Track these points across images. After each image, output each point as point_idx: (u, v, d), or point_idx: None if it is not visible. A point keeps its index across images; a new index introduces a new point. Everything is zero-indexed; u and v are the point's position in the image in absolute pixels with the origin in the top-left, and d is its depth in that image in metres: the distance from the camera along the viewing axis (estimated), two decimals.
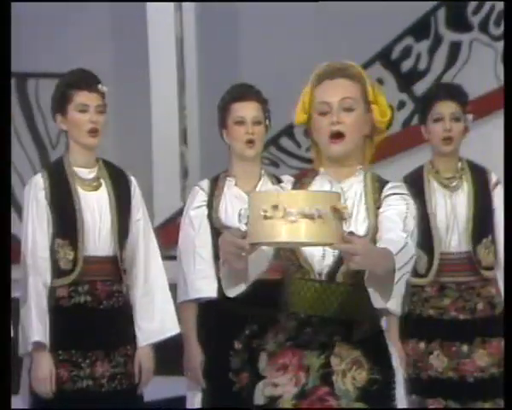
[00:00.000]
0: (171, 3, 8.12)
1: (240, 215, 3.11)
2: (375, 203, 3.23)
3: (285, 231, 2.87)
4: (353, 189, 3.26)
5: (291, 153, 7.90)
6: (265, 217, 2.87)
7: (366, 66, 7.46)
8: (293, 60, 7.54)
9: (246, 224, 3.01)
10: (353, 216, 3.19)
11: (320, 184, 3.28)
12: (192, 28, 8.01)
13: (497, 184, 4.60)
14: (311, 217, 2.82)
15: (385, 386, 3.23)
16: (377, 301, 3.05)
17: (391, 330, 4.27)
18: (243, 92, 4.49)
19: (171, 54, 8.03)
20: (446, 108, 4.57)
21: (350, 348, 3.20)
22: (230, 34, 8.04)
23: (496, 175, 4.61)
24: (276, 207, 2.87)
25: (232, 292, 3.22)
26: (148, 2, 8.01)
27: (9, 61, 4.04)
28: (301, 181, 3.33)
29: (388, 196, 3.23)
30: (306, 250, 3.20)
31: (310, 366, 3.18)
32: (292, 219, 2.85)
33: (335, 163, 3.25)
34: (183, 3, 8.11)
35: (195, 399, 4.51)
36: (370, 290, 3.02)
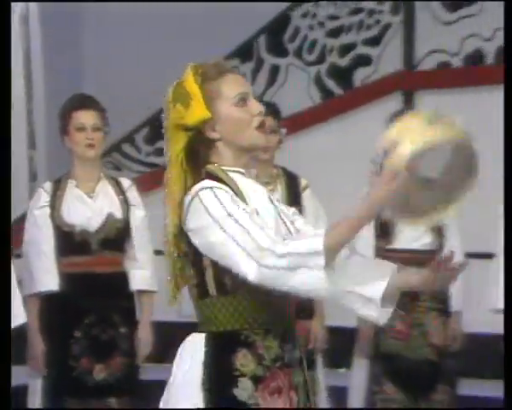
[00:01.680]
0: (17, 16, 7.68)
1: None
2: None
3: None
4: None
5: (132, 157, 7.62)
6: None
7: None
8: (138, 69, 7.33)
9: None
10: None
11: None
12: (38, 39, 7.64)
13: (305, 188, 4.43)
14: None
15: None
16: None
17: None
18: (83, 102, 4.27)
19: (19, 63, 7.59)
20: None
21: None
22: (75, 46, 7.75)
23: (304, 180, 4.45)
24: None
25: None
26: None
27: (9, 60, 3.72)
28: None
29: None
30: None
31: (297, 384, 2.59)
32: None
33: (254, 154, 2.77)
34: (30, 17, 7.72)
35: (37, 386, 4.22)
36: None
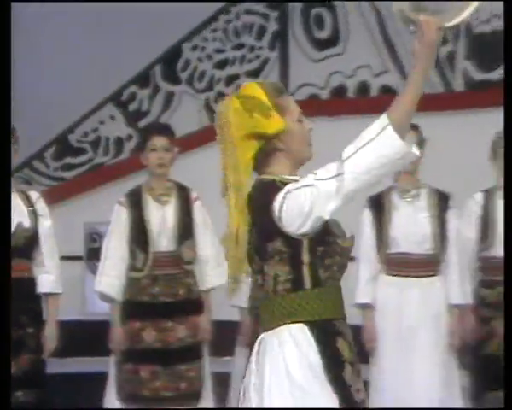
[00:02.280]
0: None
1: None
2: None
3: None
4: None
5: (42, 172, 7.49)
6: None
7: (101, 106, 7.24)
8: (46, 93, 7.21)
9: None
10: None
11: None
12: None
13: (195, 199, 4.45)
14: None
15: None
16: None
17: None
18: None
19: None
20: (158, 140, 4.31)
21: None
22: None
23: (195, 193, 4.46)
24: None
25: None
26: None
27: (9, 60, 3.57)
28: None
29: None
30: None
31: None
32: None
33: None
34: None
35: None
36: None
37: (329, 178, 2.43)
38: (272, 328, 2.53)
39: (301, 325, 2.49)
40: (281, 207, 2.45)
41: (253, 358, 2.56)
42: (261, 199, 2.53)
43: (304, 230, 2.44)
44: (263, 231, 2.54)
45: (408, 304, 4.19)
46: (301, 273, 2.50)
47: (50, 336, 4.12)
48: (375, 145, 2.40)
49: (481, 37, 6.35)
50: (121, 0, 6.92)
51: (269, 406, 2.48)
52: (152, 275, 4.29)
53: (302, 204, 2.42)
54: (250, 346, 4.40)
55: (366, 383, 4.03)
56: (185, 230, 4.33)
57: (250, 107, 2.57)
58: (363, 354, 4.13)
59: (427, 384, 4.12)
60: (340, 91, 6.71)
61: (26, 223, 4.11)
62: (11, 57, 3.61)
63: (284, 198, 2.45)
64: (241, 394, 2.55)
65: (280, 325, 2.51)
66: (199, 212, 4.37)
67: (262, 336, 2.57)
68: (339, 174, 2.42)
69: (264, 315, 2.58)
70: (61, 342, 4.16)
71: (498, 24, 6.17)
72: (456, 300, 4.21)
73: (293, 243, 2.48)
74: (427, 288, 4.23)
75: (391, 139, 2.39)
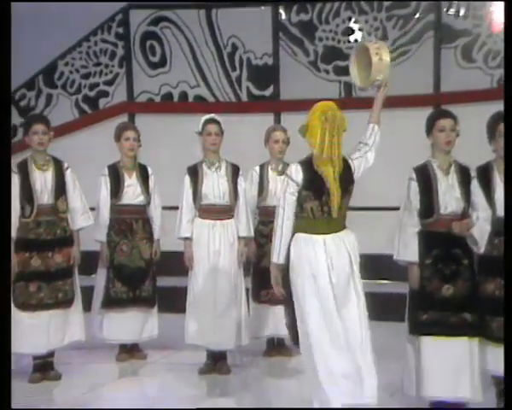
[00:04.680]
0: None
1: None
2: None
3: None
4: None
5: None
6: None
7: None
8: None
9: None
10: None
11: None
12: None
13: (67, 168, 4.12)
14: None
15: None
16: None
17: None
18: None
19: None
20: (38, 126, 4.01)
21: None
22: None
23: (66, 164, 4.10)
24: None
25: None
26: None
27: (9, 59, 2.89)
28: None
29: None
30: None
31: None
32: None
33: None
34: None
35: None
36: None
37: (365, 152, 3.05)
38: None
39: None
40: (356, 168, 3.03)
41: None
42: (347, 165, 3.01)
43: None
44: (350, 181, 2.98)
45: (213, 236, 4.10)
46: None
47: None
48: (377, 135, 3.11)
49: (257, 67, 6.44)
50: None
51: None
52: (37, 221, 3.98)
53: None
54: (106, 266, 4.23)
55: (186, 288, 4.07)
56: (59, 189, 4.03)
57: (343, 117, 2.99)
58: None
59: (224, 286, 4.04)
60: (168, 97, 6.56)
61: None
62: (11, 55, 3.03)
63: (357, 163, 3.02)
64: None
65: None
66: (69, 177, 4.09)
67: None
68: (369, 150, 3.07)
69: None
70: None
71: (269, 60, 6.31)
72: (243, 233, 4.18)
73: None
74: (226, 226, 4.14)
75: (379, 133, 3.10)
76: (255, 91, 6.45)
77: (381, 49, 3.01)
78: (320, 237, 2.90)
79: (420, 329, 3.09)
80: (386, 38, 5.93)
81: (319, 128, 2.88)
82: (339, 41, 6.15)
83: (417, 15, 5.99)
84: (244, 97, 6.44)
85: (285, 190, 2.92)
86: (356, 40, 6.00)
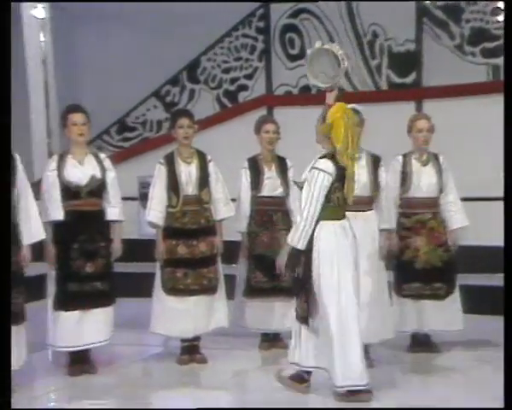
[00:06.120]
0: (41, 51, 7.14)
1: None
2: None
3: None
4: None
5: (108, 143, 7.33)
6: None
7: (147, 98, 7.11)
8: (114, 81, 7.01)
9: None
10: None
11: None
12: (50, 60, 7.23)
13: (210, 160, 4.25)
14: None
15: None
16: None
17: None
18: (75, 108, 4.07)
19: (39, 71, 7.14)
20: (184, 121, 4.23)
21: None
22: (76, 66, 7.38)
23: (209, 156, 4.23)
24: None
25: None
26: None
27: (9, 60, 2.97)
28: None
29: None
30: None
31: None
32: None
33: None
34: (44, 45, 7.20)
35: (52, 275, 4.00)
36: None
37: None
38: None
39: None
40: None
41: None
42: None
43: None
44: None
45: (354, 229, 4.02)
46: None
47: (116, 248, 4.03)
48: None
49: (398, 54, 6.27)
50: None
51: None
52: (182, 210, 4.13)
53: None
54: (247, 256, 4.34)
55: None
56: (203, 181, 4.16)
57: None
58: None
59: (366, 279, 3.88)
60: (306, 89, 6.53)
61: (98, 174, 3.99)
62: (11, 56, 3.05)
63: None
64: None
65: None
66: (212, 169, 4.20)
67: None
68: None
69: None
70: (123, 252, 4.05)
71: (411, 46, 6.11)
72: (384, 225, 4.07)
73: None
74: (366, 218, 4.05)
75: None
76: (396, 79, 6.30)
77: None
78: (342, 222, 3.40)
79: None
80: None
81: (343, 127, 3.23)
82: (487, 22, 5.86)
83: None
84: (384, 86, 6.30)
85: (320, 183, 3.26)
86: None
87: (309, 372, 3.42)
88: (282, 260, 3.34)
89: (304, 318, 3.29)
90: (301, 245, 3.26)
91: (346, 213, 3.90)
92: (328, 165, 3.29)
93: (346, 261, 3.30)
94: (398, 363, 3.98)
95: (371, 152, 4.10)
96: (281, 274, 3.80)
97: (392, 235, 4.11)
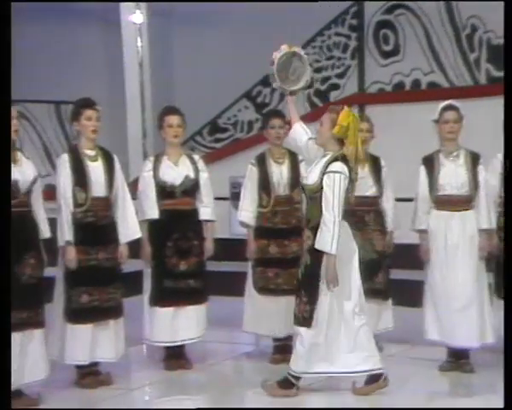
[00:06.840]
0: (137, 55, 7.37)
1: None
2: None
3: None
4: None
5: (201, 144, 7.45)
6: None
7: (238, 99, 7.23)
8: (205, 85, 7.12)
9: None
10: None
11: None
12: (147, 63, 7.42)
13: (301, 161, 4.20)
14: None
15: None
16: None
17: None
18: (171, 110, 4.17)
19: (135, 73, 7.34)
20: (276, 121, 4.25)
21: None
22: (171, 69, 7.52)
23: (300, 156, 4.15)
24: None
25: None
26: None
27: (9, 60, 2.94)
28: None
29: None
30: None
31: None
32: None
33: None
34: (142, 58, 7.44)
35: (148, 272, 4.11)
36: None
37: None
38: None
39: None
40: None
41: None
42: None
43: None
44: None
45: (450, 229, 3.89)
46: None
47: (208, 247, 4.09)
48: None
49: (498, 47, 5.99)
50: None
51: None
52: (273, 210, 4.14)
53: None
54: None
55: (422, 282, 3.95)
56: (295, 181, 4.14)
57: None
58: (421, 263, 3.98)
59: (465, 280, 3.81)
60: (399, 86, 6.45)
61: (191, 174, 4.06)
62: (11, 55, 2.91)
63: None
64: None
65: None
66: (303, 168, 4.15)
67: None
68: None
69: None
70: (215, 251, 4.11)
71: None
72: (484, 225, 3.90)
73: None
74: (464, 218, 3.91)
75: None
76: (495, 73, 6.04)
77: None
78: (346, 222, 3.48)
79: None
80: None
81: (355, 130, 3.39)
82: None
83: None
84: (483, 80, 6.06)
85: (342, 186, 3.36)
86: None
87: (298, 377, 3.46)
88: (331, 275, 3.35)
89: (306, 319, 3.32)
90: (334, 250, 3.32)
91: (443, 212, 3.77)
92: (344, 167, 3.38)
93: (354, 260, 3.47)
94: (499, 368, 3.78)
95: (470, 150, 3.95)
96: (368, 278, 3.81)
97: (492, 235, 3.94)
